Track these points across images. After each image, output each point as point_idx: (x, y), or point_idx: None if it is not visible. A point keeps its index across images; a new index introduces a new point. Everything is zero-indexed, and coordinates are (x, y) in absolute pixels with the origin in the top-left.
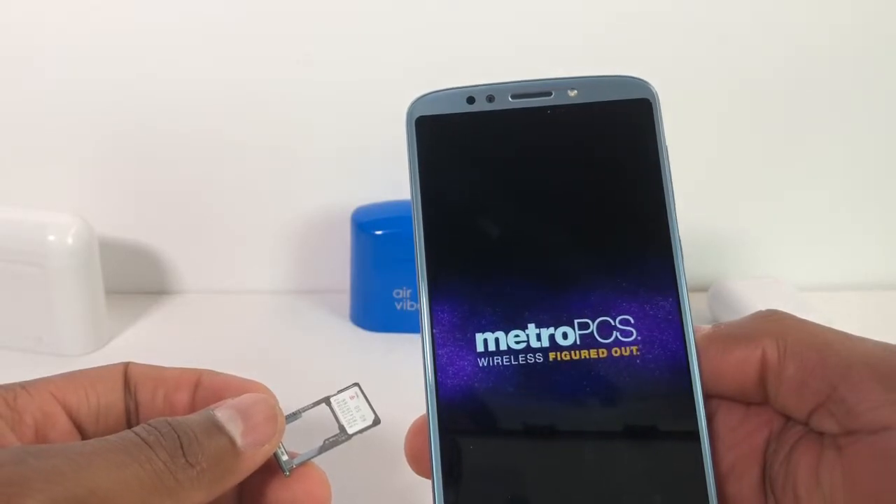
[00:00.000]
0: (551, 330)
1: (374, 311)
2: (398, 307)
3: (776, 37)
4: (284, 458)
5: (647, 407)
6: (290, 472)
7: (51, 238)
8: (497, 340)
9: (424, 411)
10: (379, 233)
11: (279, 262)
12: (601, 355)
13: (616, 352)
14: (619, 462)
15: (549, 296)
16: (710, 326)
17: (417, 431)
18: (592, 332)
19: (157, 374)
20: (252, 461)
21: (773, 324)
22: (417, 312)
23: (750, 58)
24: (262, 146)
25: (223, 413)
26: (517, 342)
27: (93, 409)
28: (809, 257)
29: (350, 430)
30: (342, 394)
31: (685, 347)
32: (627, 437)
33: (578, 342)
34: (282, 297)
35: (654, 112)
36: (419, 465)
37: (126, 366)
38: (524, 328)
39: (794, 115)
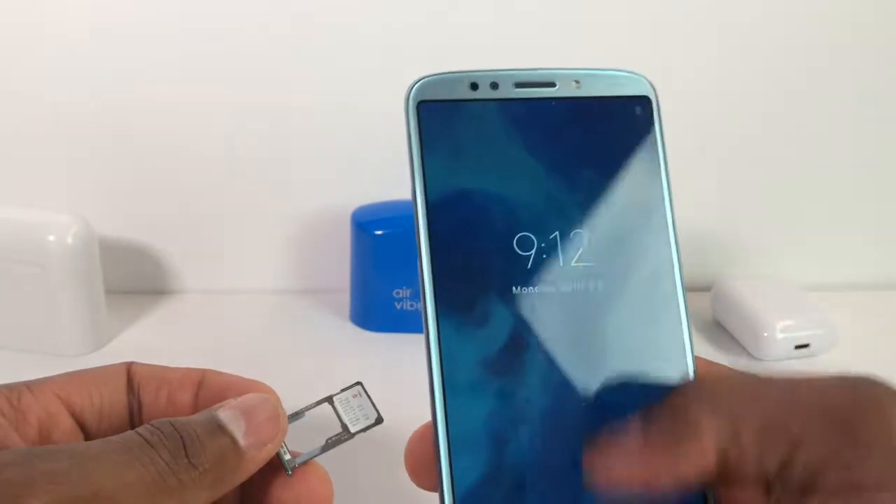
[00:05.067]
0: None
1: (374, 311)
2: (398, 307)
3: (779, 38)
4: (287, 457)
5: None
6: (292, 471)
7: (51, 238)
8: (508, 345)
9: (423, 416)
10: (379, 233)
11: (279, 262)
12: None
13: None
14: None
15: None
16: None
17: (417, 443)
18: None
19: (161, 374)
20: (254, 461)
21: (714, 405)
22: (418, 313)
23: (753, 59)
24: (262, 146)
25: (226, 413)
26: (527, 341)
27: (96, 408)
28: (810, 257)
29: (353, 429)
30: (345, 392)
31: (684, 348)
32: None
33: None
34: (282, 297)
35: (654, 109)
36: (420, 478)
37: (129, 365)
38: (533, 327)
39: (795, 116)
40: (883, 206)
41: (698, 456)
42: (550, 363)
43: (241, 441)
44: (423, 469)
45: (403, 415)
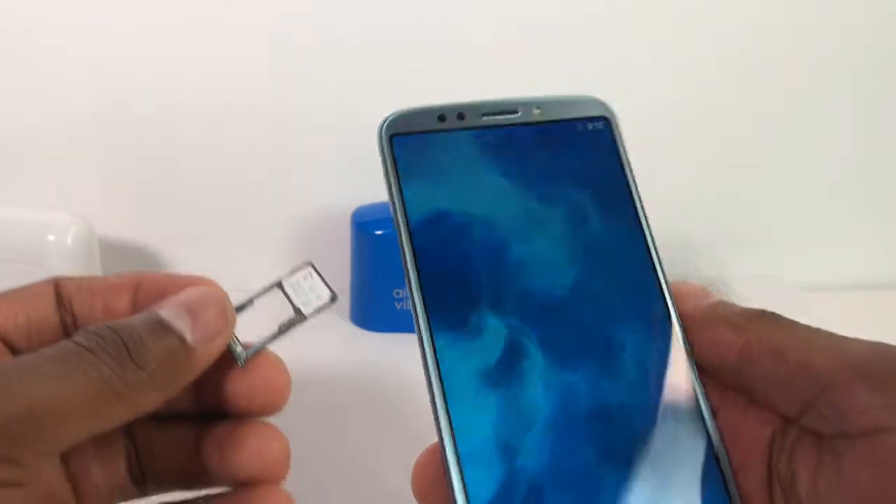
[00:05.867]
0: (558, 347)
1: (374, 311)
2: (398, 307)
3: (774, 33)
4: (238, 348)
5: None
6: (244, 362)
7: (51, 238)
8: (505, 354)
9: (422, 414)
10: (379, 233)
11: (279, 262)
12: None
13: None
14: (638, 463)
15: (553, 317)
16: (712, 301)
17: (425, 468)
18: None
19: (92, 284)
20: (205, 357)
21: (763, 322)
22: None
23: (749, 55)
24: (262, 146)
25: (167, 311)
26: (523, 349)
27: (23, 327)
28: (809, 257)
29: (306, 311)
30: (295, 275)
31: (672, 333)
32: (643, 433)
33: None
34: (282, 296)
35: (613, 126)
36: (429, 501)
37: (57, 280)
38: (526, 335)
39: (794, 114)
40: (883, 206)
41: (723, 342)
42: (549, 368)
43: (188, 337)
44: (434, 494)
45: (404, 414)
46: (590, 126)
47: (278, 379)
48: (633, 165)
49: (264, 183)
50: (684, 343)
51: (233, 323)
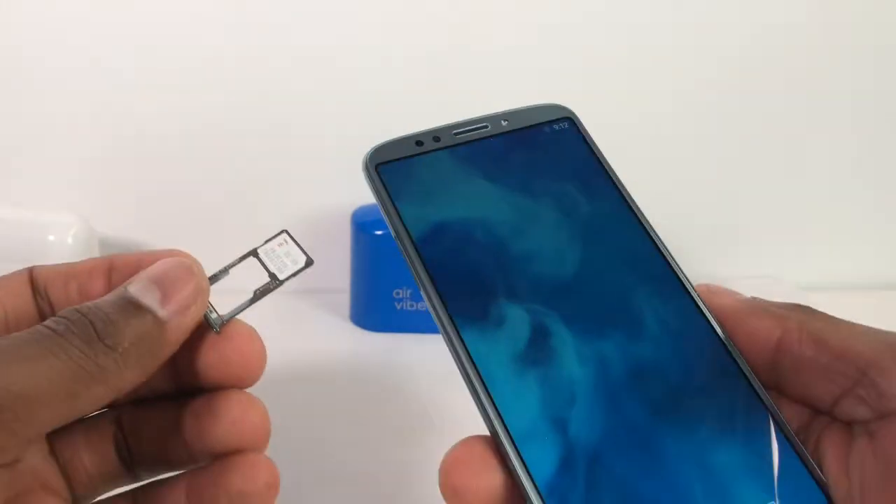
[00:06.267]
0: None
1: (374, 311)
2: (398, 307)
3: (774, 32)
4: (213, 315)
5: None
6: (220, 328)
7: (51, 238)
8: (532, 336)
9: (421, 413)
10: (379, 233)
11: None
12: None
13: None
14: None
15: (580, 306)
16: (747, 296)
17: (463, 461)
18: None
19: (66, 270)
20: (179, 330)
21: (800, 312)
22: (418, 313)
23: (749, 54)
24: (262, 146)
25: (136, 286)
26: (547, 328)
27: (0, 320)
28: (809, 257)
29: (281, 276)
30: (269, 243)
31: (683, 287)
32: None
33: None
34: (282, 297)
35: (579, 126)
36: (463, 500)
37: (31, 269)
38: (547, 313)
39: (794, 113)
40: (883, 206)
41: (761, 333)
42: (578, 340)
43: (160, 311)
44: (474, 493)
45: (403, 414)
46: (556, 127)
47: (252, 348)
48: (613, 159)
49: (264, 183)
50: (701, 303)
51: (205, 292)
